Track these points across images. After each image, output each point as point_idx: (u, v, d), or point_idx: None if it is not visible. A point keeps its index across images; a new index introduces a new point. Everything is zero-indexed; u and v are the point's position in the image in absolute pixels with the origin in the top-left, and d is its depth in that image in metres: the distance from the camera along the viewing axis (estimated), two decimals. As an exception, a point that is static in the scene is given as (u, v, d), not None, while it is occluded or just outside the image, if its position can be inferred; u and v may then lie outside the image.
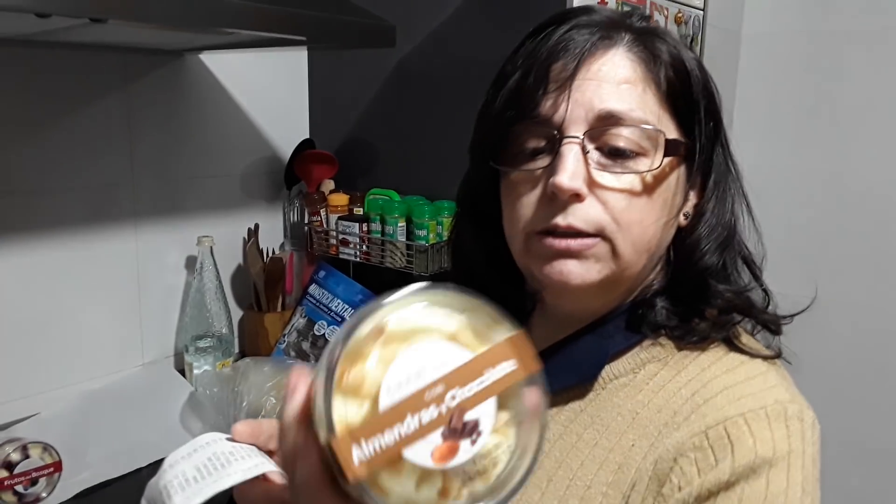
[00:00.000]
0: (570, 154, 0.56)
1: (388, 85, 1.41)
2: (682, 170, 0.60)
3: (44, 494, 0.96)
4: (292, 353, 1.31)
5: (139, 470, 1.05)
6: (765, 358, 0.60)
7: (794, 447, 0.53)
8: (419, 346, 0.33)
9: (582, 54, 0.57)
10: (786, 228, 1.73)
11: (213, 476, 0.47)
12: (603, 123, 0.56)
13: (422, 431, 0.32)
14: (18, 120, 1.10)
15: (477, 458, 0.33)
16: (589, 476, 0.57)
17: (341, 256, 1.39)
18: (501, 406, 0.34)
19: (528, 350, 0.35)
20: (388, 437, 0.31)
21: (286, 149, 1.47)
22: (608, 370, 0.61)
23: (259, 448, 0.51)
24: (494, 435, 0.34)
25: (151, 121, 1.26)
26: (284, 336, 1.34)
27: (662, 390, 0.59)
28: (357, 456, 0.31)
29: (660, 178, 0.58)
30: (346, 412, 0.32)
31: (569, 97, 0.56)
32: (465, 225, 0.70)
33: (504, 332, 0.35)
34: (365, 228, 1.34)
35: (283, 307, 1.42)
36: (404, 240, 1.29)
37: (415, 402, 0.32)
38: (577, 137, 0.56)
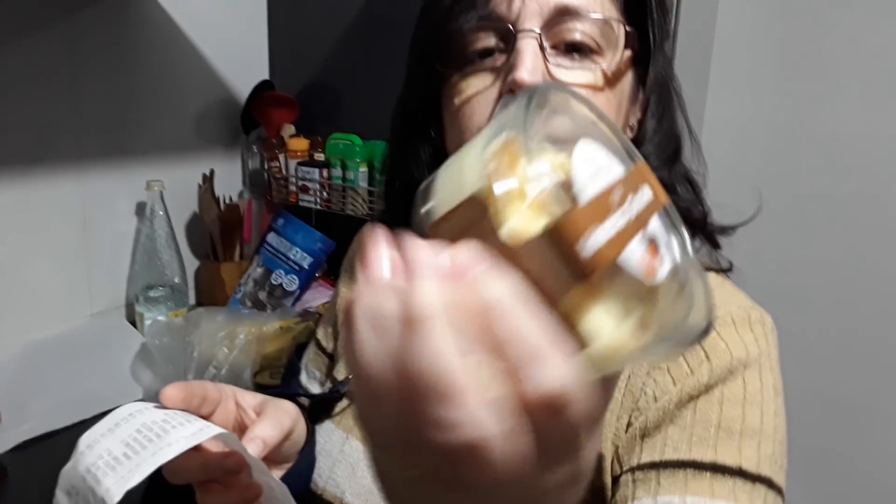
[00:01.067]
0: (529, 49, 0.52)
1: (353, 28, 1.34)
2: (631, 74, 0.57)
3: (-21, 446, 0.92)
4: (248, 303, 1.26)
5: (84, 421, 1.01)
6: (718, 271, 0.61)
7: (763, 349, 0.54)
8: (583, 146, 0.26)
9: None
10: (762, 177, 1.70)
11: (148, 449, 0.40)
12: (559, 17, 0.53)
13: (630, 230, 0.25)
14: (-55, 50, 1.02)
15: (667, 283, 0.26)
16: None
17: (301, 204, 1.33)
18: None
19: (655, 179, 0.29)
20: (607, 230, 0.24)
21: (244, 91, 1.40)
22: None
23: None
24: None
25: (96, 57, 1.18)
26: (241, 286, 1.29)
27: None
28: (590, 241, 0.23)
29: (617, 76, 0.55)
30: (535, 210, 0.24)
31: None
32: (401, 150, 0.65)
33: (629, 156, 0.29)
34: (325, 174, 1.28)
35: (241, 257, 1.37)
36: (366, 185, 1.24)
37: (604, 204, 0.25)
38: (534, 31, 0.52)
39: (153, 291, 1.21)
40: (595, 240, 0.23)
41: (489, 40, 0.54)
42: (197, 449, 0.42)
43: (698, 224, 0.60)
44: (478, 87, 0.54)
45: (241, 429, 0.53)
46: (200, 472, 0.46)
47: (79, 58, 1.16)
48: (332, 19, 1.36)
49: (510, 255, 0.23)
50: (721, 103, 1.82)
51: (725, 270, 0.62)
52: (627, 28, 0.55)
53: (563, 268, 0.23)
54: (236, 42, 1.40)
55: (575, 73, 0.53)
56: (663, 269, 0.26)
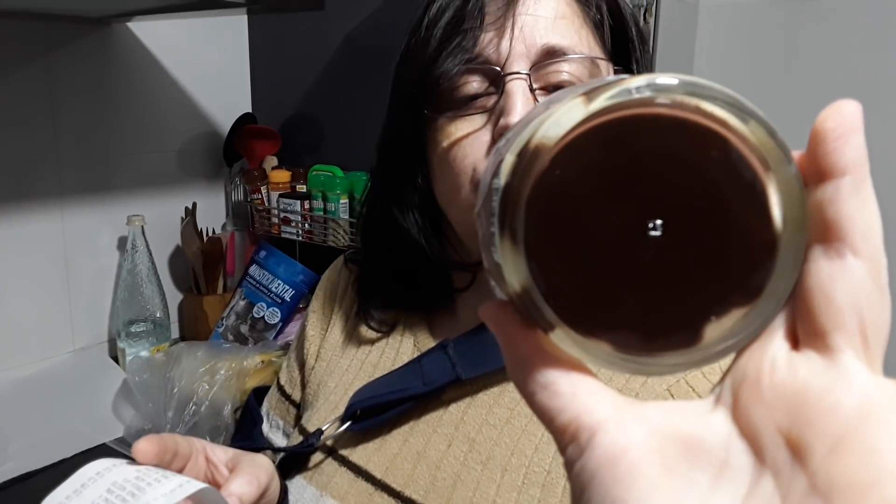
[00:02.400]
0: (519, 91, 0.52)
1: (334, 59, 1.36)
2: None
3: (-42, 488, 0.91)
4: (230, 337, 1.26)
5: (65, 460, 1.00)
6: None
7: None
8: None
9: None
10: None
11: None
12: (546, 59, 0.53)
13: None
14: (-76, 92, 1.03)
15: None
16: (547, 460, 0.53)
17: (283, 236, 1.33)
18: None
19: None
20: None
21: (226, 123, 1.40)
22: None
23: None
24: None
25: (76, 94, 1.19)
26: (223, 319, 1.29)
27: None
28: None
29: None
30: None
31: (511, 32, 0.52)
32: (383, 194, 0.63)
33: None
34: (307, 206, 1.29)
35: (224, 289, 1.37)
36: (347, 217, 1.24)
37: None
38: (523, 73, 0.52)
39: (135, 326, 1.21)
40: None
41: (477, 83, 0.54)
42: None
43: None
44: (467, 130, 0.54)
45: (212, 482, 0.50)
46: None
47: (59, 93, 1.17)
48: (314, 52, 1.38)
49: None
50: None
51: None
52: (614, 67, 0.55)
53: None
54: (218, 75, 1.41)
55: None
56: None
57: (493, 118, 0.53)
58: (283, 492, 0.58)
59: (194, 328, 1.34)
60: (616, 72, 0.56)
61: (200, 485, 0.40)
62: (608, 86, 0.21)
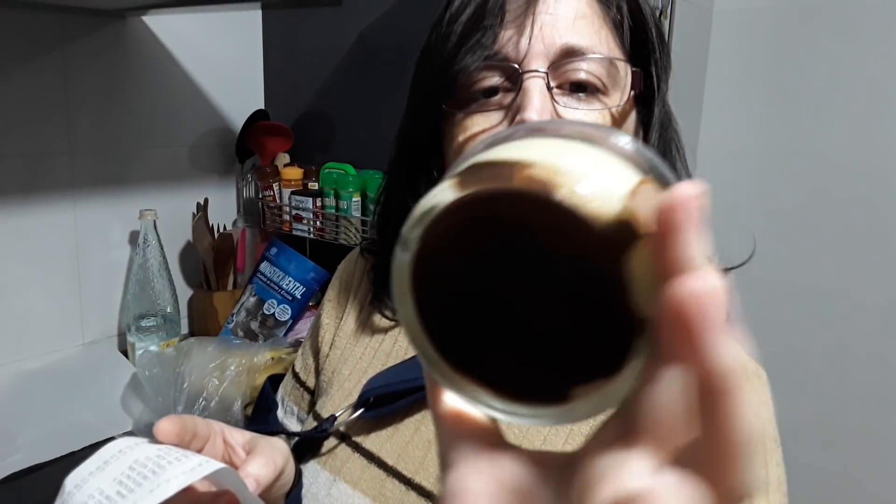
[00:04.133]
0: (536, 89, 0.52)
1: (347, 57, 1.35)
2: (634, 114, 0.58)
3: (-33, 479, 0.90)
4: (240, 333, 1.26)
5: (73, 453, 1.00)
6: None
7: (762, 400, 0.53)
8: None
9: None
10: (755, 204, 1.70)
11: (144, 486, 0.38)
12: (565, 58, 0.53)
13: None
14: (-60, 82, 1.03)
15: None
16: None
17: (295, 233, 1.33)
18: None
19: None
20: None
21: (239, 120, 1.40)
22: None
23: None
24: None
25: (91, 87, 1.19)
26: (233, 315, 1.29)
27: None
28: None
29: (623, 116, 0.55)
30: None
31: (531, 30, 0.52)
32: (399, 188, 0.65)
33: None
34: (319, 203, 1.29)
35: (234, 286, 1.37)
36: (359, 215, 1.24)
37: None
38: (541, 72, 0.52)
39: (145, 321, 1.21)
40: None
41: (495, 79, 0.54)
42: (186, 489, 0.39)
43: None
44: (483, 125, 0.54)
45: (229, 464, 0.51)
46: None
47: (73, 85, 1.17)
48: (327, 50, 1.37)
49: None
50: (712, 133, 1.83)
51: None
52: (633, 68, 0.55)
53: None
54: (232, 72, 1.41)
55: (581, 113, 0.53)
56: None
57: (509, 115, 0.53)
58: (298, 475, 0.58)
59: (204, 324, 1.34)
60: (634, 74, 0.55)
61: (219, 465, 0.41)
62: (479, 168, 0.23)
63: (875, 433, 1.60)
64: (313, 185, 1.33)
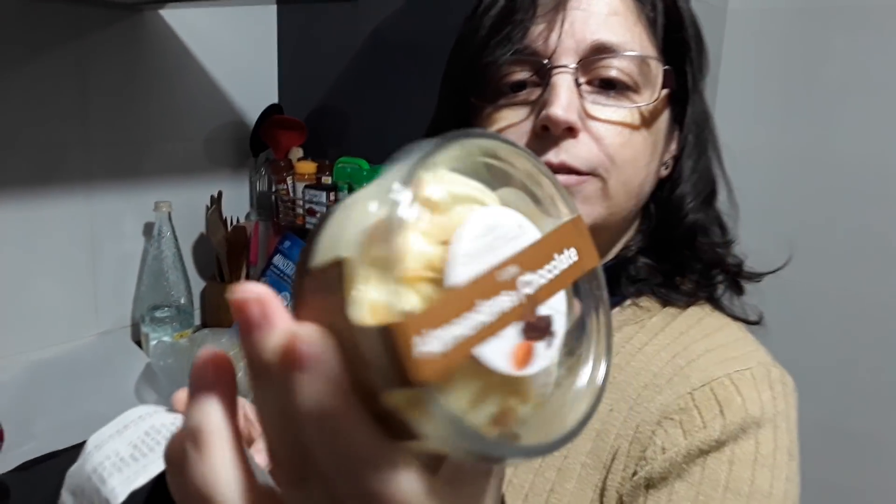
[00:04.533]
0: (564, 84, 0.52)
1: (361, 52, 1.36)
2: (668, 112, 0.57)
3: (-17, 465, 0.92)
4: (253, 325, 1.26)
5: (86, 442, 1.01)
6: (748, 322, 0.58)
7: (780, 410, 0.51)
8: (485, 212, 0.24)
9: None
10: (767, 205, 1.70)
11: (155, 451, 0.41)
12: (595, 54, 0.52)
13: (498, 324, 0.22)
14: (-40, 72, 1.04)
15: (552, 368, 0.24)
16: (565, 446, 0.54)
17: (308, 226, 1.34)
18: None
19: (588, 239, 0.27)
20: (461, 328, 0.21)
21: (253, 114, 1.41)
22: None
23: None
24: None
25: (107, 79, 1.20)
26: (246, 307, 1.29)
27: (640, 353, 0.56)
28: (419, 351, 0.20)
29: (654, 115, 0.55)
30: (394, 293, 0.21)
31: (561, 26, 0.52)
32: None
33: (558, 214, 0.26)
34: (332, 197, 1.29)
35: (247, 278, 1.37)
36: (372, 209, 1.24)
37: (487, 284, 0.22)
38: (570, 67, 0.52)
39: (159, 312, 1.22)
40: (429, 346, 0.20)
41: (523, 74, 0.54)
42: None
43: (730, 271, 0.59)
44: (510, 120, 0.54)
45: (247, 441, 0.51)
46: None
47: (90, 78, 1.18)
48: (341, 44, 1.38)
49: (349, 334, 0.22)
50: (725, 132, 1.82)
51: (753, 323, 0.60)
52: (665, 66, 0.55)
53: (389, 368, 0.20)
54: (246, 66, 1.42)
55: (610, 111, 0.53)
56: (539, 362, 0.23)
57: (535, 109, 0.53)
58: None
59: (216, 316, 1.35)
60: (666, 73, 0.55)
61: None
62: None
63: None
64: (327, 180, 1.34)
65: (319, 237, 0.24)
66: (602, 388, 0.26)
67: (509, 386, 0.23)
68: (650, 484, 0.50)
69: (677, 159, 0.59)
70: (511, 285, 0.23)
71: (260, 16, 1.42)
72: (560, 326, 0.24)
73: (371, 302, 0.21)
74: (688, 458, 0.49)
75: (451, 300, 0.21)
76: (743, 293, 0.60)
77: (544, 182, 0.27)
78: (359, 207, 0.23)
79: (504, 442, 0.23)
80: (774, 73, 1.74)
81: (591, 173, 0.53)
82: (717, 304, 0.59)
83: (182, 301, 1.23)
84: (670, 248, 0.58)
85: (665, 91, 0.54)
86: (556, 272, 0.24)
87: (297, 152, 1.40)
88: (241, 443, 0.26)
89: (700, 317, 0.58)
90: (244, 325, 0.23)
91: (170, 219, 1.22)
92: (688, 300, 0.58)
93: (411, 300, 0.21)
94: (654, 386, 0.53)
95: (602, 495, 0.52)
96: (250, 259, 1.38)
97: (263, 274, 1.32)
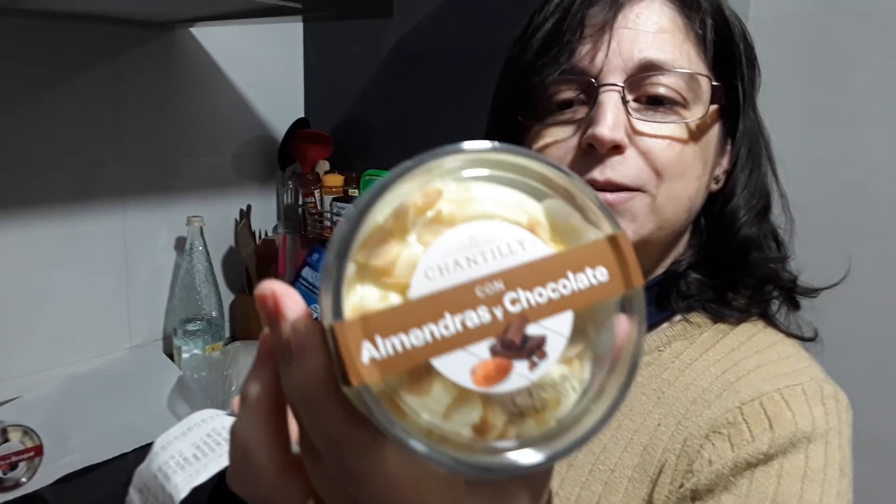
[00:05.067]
0: (611, 102, 0.52)
1: (386, 65, 1.37)
2: (718, 126, 0.57)
3: (24, 479, 0.93)
4: (284, 338, 1.27)
5: (124, 455, 1.02)
6: (802, 339, 0.58)
7: (832, 425, 0.50)
8: (477, 225, 0.24)
9: (619, 1, 0.54)
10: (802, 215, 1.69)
11: (216, 451, 0.45)
12: (643, 72, 0.53)
13: (463, 338, 0.22)
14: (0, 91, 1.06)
15: (534, 389, 0.24)
16: (613, 459, 0.54)
17: (336, 239, 1.35)
18: (575, 331, 0.24)
19: (629, 258, 0.25)
20: (416, 338, 0.22)
21: (280, 128, 1.43)
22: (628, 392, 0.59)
23: None
24: (561, 365, 0.24)
25: (140, 96, 1.22)
26: (276, 320, 1.30)
27: (689, 368, 0.56)
28: (368, 353, 0.22)
29: (703, 129, 0.55)
30: (362, 297, 0.23)
31: (608, 45, 0.53)
32: None
33: (601, 229, 0.25)
34: (360, 210, 1.30)
35: (275, 291, 1.38)
36: (400, 222, 1.25)
37: (460, 298, 0.23)
38: (617, 85, 0.52)
39: (191, 325, 1.23)
40: (373, 351, 0.22)
41: (571, 92, 0.54)
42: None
43: (785, 286, 0.59)
44: (557, 137, 0.55)
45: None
46: None
47: (125, 94, 1.20)
48: (366, 58, 1.39)
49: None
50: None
51: (807, 339, 0.59)
52: (714, 83, 0.54)
53: (336, 365, 0.22)
54: (273, 81, 1.44)
55: (658, 126, 0.53)
56: (515, 381, 0.23)
57: (582, 127, 0.53)
58: None
59: (246, 328, 1.36)
60: (715, 88, 0.55)
61: None
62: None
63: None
64: (354, 192, 1.35)
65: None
66: (609, 413, 0.25)
67: (493, 401, 0.23)
68: (696, 496, 0.50)
69: (729, 174, 0.59)
70: (492, 301, 0.23)
71: (286, 32, 1.44)
72: (556, 348, 0.24)
73: (351, 303, 0.23)
74: (735, 471, 0.49)
75: (410, 309, 0.22)
76: (798, 309, 0.60)
77: (586, 201, 0.26)
78: (374, 208, 0.24)
79: (448, 452, 0.23)
80: (796, 80, 1.73)
81: (639, 189, 0.53)
82: (770, 321, 0.59)
83: (213, 314, 1.25)
84: (722, 264, 0.58)
85: (714, 106, 0.55)
86: (565, 292, 0.24)
87: (323, 165, 1.42)
88: (284, 413, 0.28)
89: (752, 333, 0.58)
90: (264, 316, 0.26)
91: (201, 233, 1.23)
92: (740, 316, 0.58)
93: (375, 305, 0.22)
94: (703, 401, 0.53)
95: None
96: (279, 272, 1.39)
97: (292, 286, 1.33)
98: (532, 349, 0.23)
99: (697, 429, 0.52)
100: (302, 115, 1.49)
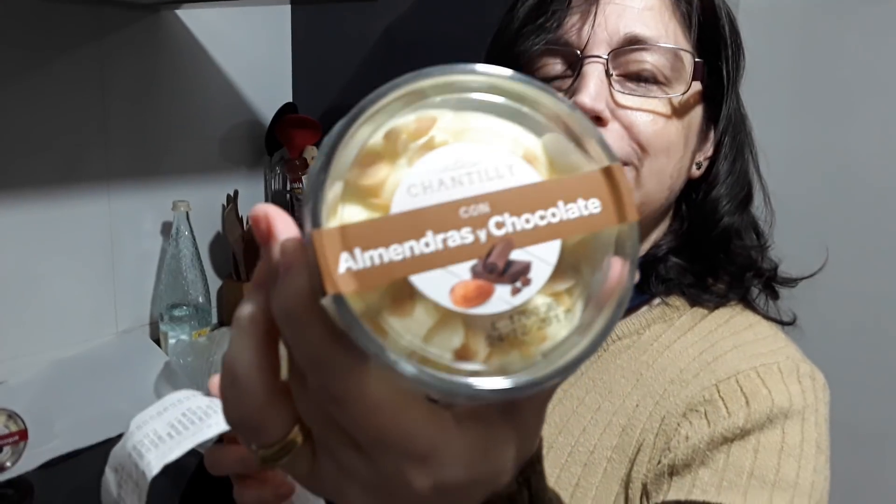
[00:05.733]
0: (594, 74, 0.52)
1: (375, 50, 1.36)
2: (701, 109, 0.57)
3: (8, 463, 0.93)
4: (271, 323, 1.27)
5: (109, 440, 1.02)
6: (781, 322, 0.59)
7: (809, 403, 0.51)
8: (468, 147, 0.24)
9: None
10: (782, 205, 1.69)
11: (189, 430, 0.45)
12: (628, 46, 0.53)
13: (444, 257, 0.22)
14: (-19, 73, 1.05)
15: (515, 315, 0.23)
16: (592, 441, 0.55)
17: (323, 225, 1.34)
18: (566, 266, 0.24)
19: (624, 191, 0.24)
20: (395, 252, 0.22)
21: (268, 113, 1.42)
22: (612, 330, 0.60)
23: None
24: (548, 296, 0.24)
25: (125, 79, 1.21)
26: (263, 305, 1.30)
27: (668, 350, 0.56)
28: (345, 264, 0.21)
29: (686, 107, 0.55)
30: (344, 209, 0.23)
31: (594, 18, 0.53)
32: None
33: (597, 161, 0.24)
34: (348, 196, 1.30)
35: (263, 276, 1.38)
36: (388, 208, 1.25)
37: (442, 217, 0.22)
38: (602, 58, 0.53)
39: (177, 311, 1.23)
40: (351, 262, 0.21)
41: (556, 65, 0.55)
42: (235, 443, 0.43)
43: (764, 275, 0.59)
44: None
45: None
46: (238, 466, 0.46)
47: (108, 79, 1.19)
48: (354, 43, 1.38)
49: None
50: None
51: (786, 323, 0.60)
52: (697, 59, 0.55)
53: (315, 275, 0.22)
54: (261, 65, 1.42)
55: (641, 100, 0.54)
56: (495, 304, 0.23)
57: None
58: None
59: (233, 314, 1.35)
60: (697, 65, 0.55)
61: None
62: None
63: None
64: (342, 178, 1.34)
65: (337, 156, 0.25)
66: (596, 341, 0.24)
67: (475, 326, 0.23)
68: (674, 471, 0.50)
69: (713, 161, 0.60)
70: (476, 223, 0.23)
71: (274, 15, 1.43)
72: (541, 276, 0.23)
73: (335, 218, 0.22)
74: (711, 446, 0.50)
75: (390, 223, 0.22)
76: (777, 298, 0.61)
77: (587, 136, 0.25)
78: (362, 131, 0.25)
79: (426, 371, 0.22)
80: (787, 70, 1.73)
81: (623, 163, 0.53)
82: (748, 304, 0.60)
83: (200, 300, 1.24)
84: (703, 250, 0.59)
85: (697, 84, 0.55)
86: (553, 220, 0.23)
87: (311, 151, 1.41)
88: (275, 337, 0.28)
89: (730, 316, 0.58)
90: (258, 238, 0.26)
91: (188, 218, 1.22)
92: (718, 301, 0.58)
93: (356, 218, 0.22)
94: (681, 381, 0.54)
95: (627, 488, 0.53)
96: (266, 257, 1.39)
97: (280, 272, 1.33)
98: (515, 275, 0.23)
99: (675, 407, 0.53)
100: (290, 99, 1.48)
